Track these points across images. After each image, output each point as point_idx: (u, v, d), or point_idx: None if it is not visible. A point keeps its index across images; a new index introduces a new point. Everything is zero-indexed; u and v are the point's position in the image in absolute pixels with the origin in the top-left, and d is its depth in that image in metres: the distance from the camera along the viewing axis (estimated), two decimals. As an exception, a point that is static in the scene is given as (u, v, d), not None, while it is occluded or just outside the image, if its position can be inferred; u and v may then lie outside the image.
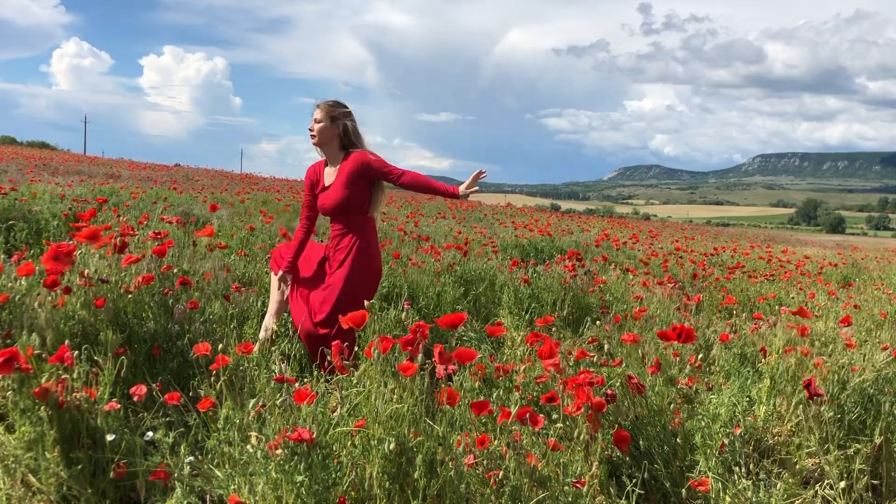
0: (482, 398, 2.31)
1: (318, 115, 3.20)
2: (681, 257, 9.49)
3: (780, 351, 3.12)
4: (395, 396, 2.12)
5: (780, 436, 2.90)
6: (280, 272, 3.33)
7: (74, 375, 2.21)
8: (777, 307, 6.31)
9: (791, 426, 2.90)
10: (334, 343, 2.36)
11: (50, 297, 2.68)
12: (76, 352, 2.24)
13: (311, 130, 3.23)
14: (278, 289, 3.38)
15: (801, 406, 2.87)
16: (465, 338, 4.22)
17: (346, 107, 3.25)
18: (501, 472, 2.06)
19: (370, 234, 3.28)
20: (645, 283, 5.86)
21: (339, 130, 3.19)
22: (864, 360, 3.20)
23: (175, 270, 3.32)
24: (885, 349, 3.25)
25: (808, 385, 2.75)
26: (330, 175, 3.27)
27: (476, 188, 3.15)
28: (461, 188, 3.14)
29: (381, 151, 3.30)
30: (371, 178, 3.19)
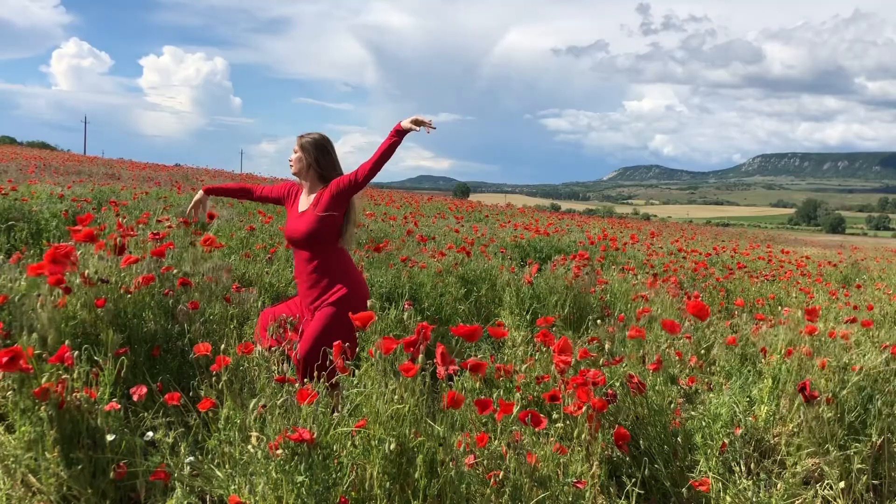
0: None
1: (295, 146, 3.24)
2: (683, 258, 9.49)
3: (782, 352, 3.12)
4: (395, 397, 2.11)
5: (782, 436, 2.90)
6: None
7: (74, 375, 2.20)
8: (779, 308, 6.31)
9: (793, 426, 2.90)
10: (336, 343, 2.36)
11: (50, 298, 2.68)
12: (76, 352, 2.24)
13: (290, 161, 3.26)
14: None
15: (802, 406, 2.87)
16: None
17: (324, 138, 3.24)
18: (502, 473, 2.06)
19: (346, 263, 3.17)
20: (651, 284, 5.86)
21: (311, 160, 3.19)
22: (863, 360, 3.20)
23: (175, 271, 3.32)
24: (864, 324, 3.25)
25: (802, 388, 2.75)
26: (305, 202, 3.23)
27: (422, 127, 3.03)
28: (403, 122, 3.04)
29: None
30: (347, 195, 3.14)
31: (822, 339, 3.58)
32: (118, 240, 3.17)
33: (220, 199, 12.63)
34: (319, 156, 3.18)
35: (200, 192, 3.48)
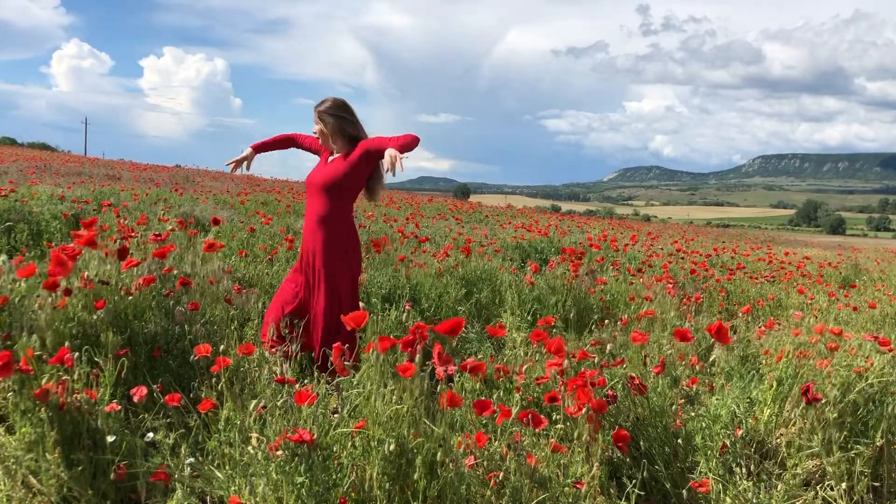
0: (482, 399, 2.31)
1: (315, 118, 3.26)
2: (682, 259, 9.49)
3: (790, 354, 3.11)
4: (394, 398, 2.11)
5: (784, 437, 2.90)
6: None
7: (75, 377, 2.21)
8: (779, 309, 6.31)
9: (796, 429, 2.90)
10: (335, 345, 2.36)
11: (50, 299, 2.68)
12: (77, 353, 2.24)
13: (314, 133, 3.30)
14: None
15: (807, 409, 2.86)
16: (466, 339, 4.22)
17: (338, 101, 3.25)
18: (502, 474, 2.06)
19: (349, 223, 3.26)
20: (650, 286, 5.86)
21: (334, 125, 3.22)
22: (864, 362, 3.20)
23: (175, 272, 3.32)
24: (885, 344, 3.23)
25: (806, 391, 2.74)
26: (333, 157, 3.29)
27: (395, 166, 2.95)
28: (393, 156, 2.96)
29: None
30: (374, 156, 3.18)
31: (823, 340, 3.58)
32: (118, 242, 3.18)
33: (222, 200, 12.65)
34: (340, 119, 3.21)
35: (249, 149, 3.50)
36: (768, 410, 3.01)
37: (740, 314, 5.21)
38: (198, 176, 22.37)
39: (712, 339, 3.89)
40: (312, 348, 3.18)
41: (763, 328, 4.36)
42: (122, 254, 3.09)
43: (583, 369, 2.66)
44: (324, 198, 3.20)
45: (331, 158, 3.29)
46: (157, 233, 3.78)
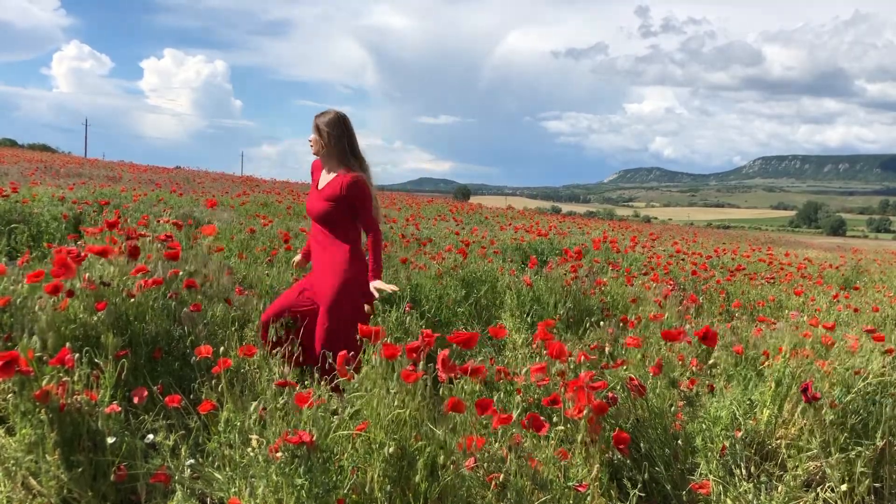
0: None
1: (312, 127, 3.27)
2: (683, 260, 9.48)
3: (787, 355, 3.11)
4: (396, 402, 2.11)
5: (784, 438, 2.89)
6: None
7: (75, 378, 2.21)
8: (780, 310, 6.30)
9: (795, 430, 2.90)
10: (340, 354, 2.35)
11: (52, 301, 2.68)
12: (77, 354, 2.24)
13: (309, 141, 3.30)
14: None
15: (805, 410, 2.86)
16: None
17: (339, 117, 3.25)
18: (502, 476, 2.06)
19: (354, 245, 3.28)
20: (648, 287, 5.85)
21: (326, 140, 3.22)
22: (865, 364, 3.20)
23: (181, 274, 3.33)
24: (891, 353, 3.23)
25: (804, 389, 2.74)
26: (324, 180, 3.29)
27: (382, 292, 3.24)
28: (375, 283, 3.25)
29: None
30: (354, 211, 3.24)
31: (824, 341, 3.57)
32: (123, 246, 3.17)
33: (222, 200, 12.64)
34: (335, 135, 3.23)
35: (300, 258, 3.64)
36: (767, 411, 3.00)
37: (737, 313, 5.20)
38: (198, 177, 22.38)
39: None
40: (312, 360, 3.19)
41: (761, 328, 4.35)
42: (134, 253, 3.09)
43: (582, 371, 2.66)
44: (323, 227, 3.27)
45: (322, 181, 3.30)
46: (165, 234, 3.79)
